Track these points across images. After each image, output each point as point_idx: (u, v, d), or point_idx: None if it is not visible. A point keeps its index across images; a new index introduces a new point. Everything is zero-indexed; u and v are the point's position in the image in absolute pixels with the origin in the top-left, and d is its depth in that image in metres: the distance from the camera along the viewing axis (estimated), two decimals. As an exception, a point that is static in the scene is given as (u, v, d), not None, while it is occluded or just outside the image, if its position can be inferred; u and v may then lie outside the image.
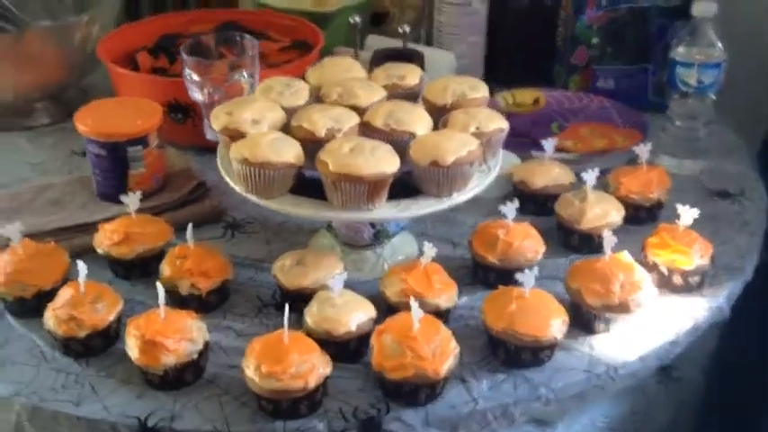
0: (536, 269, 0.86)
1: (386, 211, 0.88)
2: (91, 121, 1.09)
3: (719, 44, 1.17)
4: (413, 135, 0.92)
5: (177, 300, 0.93)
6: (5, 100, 1.35)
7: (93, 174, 1.12)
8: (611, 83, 1.42)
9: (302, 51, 1.33)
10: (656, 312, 0.94)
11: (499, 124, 0.96)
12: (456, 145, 0.89)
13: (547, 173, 1.12)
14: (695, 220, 0.98)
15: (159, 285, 0.85)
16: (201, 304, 0.93)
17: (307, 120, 0.92)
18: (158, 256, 0.99)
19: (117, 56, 1.30)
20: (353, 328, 0.86)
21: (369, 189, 0.86)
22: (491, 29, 1.46)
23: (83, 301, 0.87)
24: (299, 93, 1.00)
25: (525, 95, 1.42)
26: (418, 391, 0.81)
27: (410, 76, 1.05)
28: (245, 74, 1.08)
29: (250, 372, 0.79)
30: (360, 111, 0.96)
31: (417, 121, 0.94)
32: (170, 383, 0.83)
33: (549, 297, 0.88)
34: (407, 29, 1.31)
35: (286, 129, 0.94)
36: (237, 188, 0.92)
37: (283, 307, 0.92)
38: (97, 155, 1.10)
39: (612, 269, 0.90)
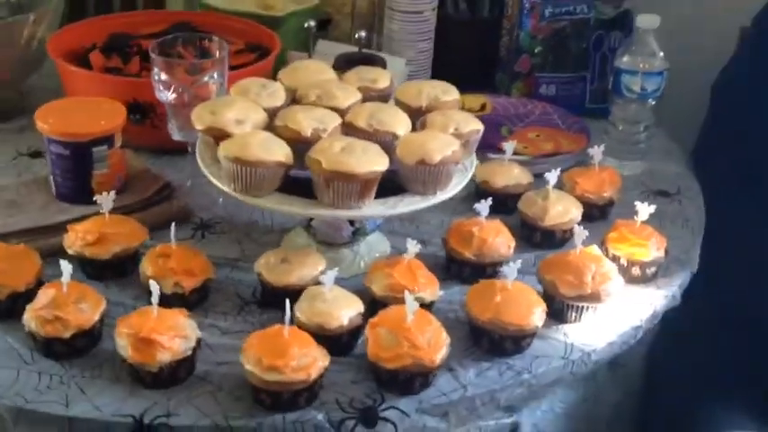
0: (518, 262, 0.91)
1: (375, 208, 0.91)
2: (53, 121, 1.07)
3: (661, 54, 1.25)
4: (395, 135, 0.95)
5: (162, 298, 0.93)
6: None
7: (53, 174, 1.10)
8: (552, 90, 1.49)
9: (258, 54, 1.33)
10: (620, 301, 1.00)
11: (475, 126, 1.00)
12: (441, 145, 0.92)
13: (507, 173, 1.17)
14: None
15: (153, 283, 0.84)
16: (184, 303, 0.93)
17: (292, 120, 0.94)
18: (132, 256, 0.98)
19: (64, 55, 1.27)
20: (345, 322, 0.87)
21: (360, 187, 0.88)
22: (438, 37, 1.50)
23: (66, 302, 0.85)
24: (275, 94, 1.01)
25: (472, 101, 1.46)
26: (413, 380, 0.84)
27: (381, 79, 1.08)
28: (215, 75, 1.09)
29: (250, 365, 0.80)
30: (339, 112, 0.98)
31: (398, 121, 0.97)
32: (163, 381, 0.83)
33: (530, 289, 0.93)
34: (363, 34, 1.34)
35: (268, 129, 0.95)
36: (224, 187, 0.92)
37: (265, 305, 0.95)
38: (59, 155, 1.07)
39: (584, 261, 0.96)
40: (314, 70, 1.08)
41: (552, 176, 1.10)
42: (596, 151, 1.17)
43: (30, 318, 0.86)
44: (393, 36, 1.46)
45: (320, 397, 0.84)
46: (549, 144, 1.35)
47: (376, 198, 0.92)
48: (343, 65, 1.21)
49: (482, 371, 0.89)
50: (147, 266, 0.93)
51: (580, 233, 0.97)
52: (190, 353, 0.83)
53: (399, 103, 1.04)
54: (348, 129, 0.96)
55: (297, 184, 0.92)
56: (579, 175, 1.17)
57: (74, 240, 0.97)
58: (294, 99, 1.02)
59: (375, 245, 1.06)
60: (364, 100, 1.04)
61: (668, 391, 1.24)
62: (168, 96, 1.08)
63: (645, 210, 1.05)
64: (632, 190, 1.25)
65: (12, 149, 1.27)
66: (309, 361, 0.80)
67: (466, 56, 1.54)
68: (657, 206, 1.07)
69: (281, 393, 0.80)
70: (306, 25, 1.37)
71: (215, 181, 0.94)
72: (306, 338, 0.83)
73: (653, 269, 1.05)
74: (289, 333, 0.81)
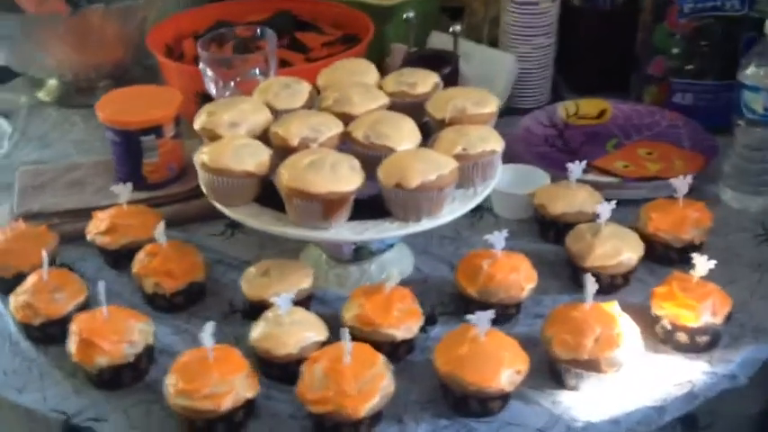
0: (490, 312, 0.78)
1: (341, 231, 0.82)
2: (109, 109, 1.10)
3: (793, 67, 1.01)
4: (392, 150, 0.86)
5: (147, 297, 0.93)
6: (66, 78, 1.40)
7: (113, 159, 1.14)
8: (689, 99, 1.27)
9: (348, 46, 1.28)
10: (647, 372, 0.83)
11: (492, 146, 0.87)
12: (426, 167, 0.81)
13: (570, 198, 1.02)
14: (736, 266, 0.88)
15: (101, 284, 0.83)
16: (170, 304, 0.92)
17: (284, 126, 0.88)
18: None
19: (168, 42, 1.31)
20: (295, 350, 0.81)
21: (323, 207, 0.80)
22: (565, 31, 1.35)
23: (42, 290, 0.88)
24: (296, 95, 0.95)
25: (591, 106, 1.30)
26: (340, 428, 0.76)
27: (422, 83, 0.98)
28: (257, 71, 1.05)
29: (169, 385, 0.77)
30: (350, 119, 0.91)
31: (401, 136, 0.87)
32: (105, 383, 0.83)
33: (510, 342, 0.80)
34: (458, 28, 1.23)
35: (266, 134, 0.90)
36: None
37: (248, 317, 0.91)
38: (112, 141, 1.11)
39: (590, 320, 0.80)
40: (355, 70, 1.01)
41: (604, 209, 0.93)
42: (680, 182, 0.98)
43: (11, 300, 0.89)
44: (507, 29, 1.32)
45: (248, 427, 0.79)
46: (656, 165, 1.15)
47: (357, 218, 0.84)
48: (412, 63, 1.12)
49: (436, 429, 0.78)
50: (135, 263, 0.93)
51: (591, 284, 0.82)
52: (132, 359, 0.82)
53: (428, 114, 0.94)
54: (347, 139, 0.88)
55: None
56: (657, 210, 0.99)
57: (91, 227, 1.00)
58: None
59: (391, 263, 0.97)
60: (395, 106, 0.95)
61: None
62: (213, 90, 1.07)
63: (703, 264, 0.85)
64: (742, 232, 1.03)
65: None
66: (225, 390, 0.75)
67: (598, 54, 1.36)
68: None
69: (196, 418, 0.76)
70: (405, 17, 1.29)
71: (202, 185, 0.90)
72: (235, 364, 0.78)
73: (705, 338, 0.85)
74: (216, 356, 0.77)
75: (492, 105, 0.93)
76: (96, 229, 0.99)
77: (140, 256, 0.93)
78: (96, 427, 0.80)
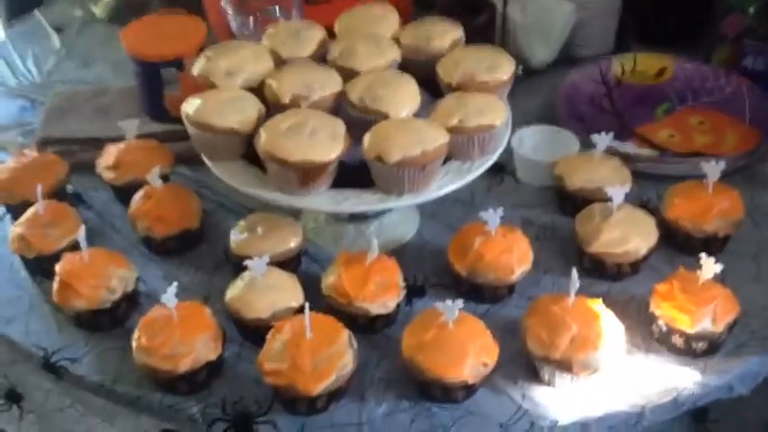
0: (459, 301, 0.74)
1: (318, 200, 0.79)
2: (133, 38, 1.08)
3: None
4: (385, 116, 0.81)
5: (141, 238, 0.93)
6: (117, -7, 1.39)
7: (138, 88, 1.13)
8: (760, 63, 1.15)
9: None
10: (631, 373, 0.78)
11: (492, 119, 0.81)
12: (410, 141, 0.76)
13: (590, 172, 0.94)
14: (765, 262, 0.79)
15: (82, 230, 0.83)
16: (162, 248, 0.92)
17: (278, 80, 0.84)
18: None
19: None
20: (266, 315, 0.80)
21: (298, 175, 0.77)
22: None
23: (36, 224, 0.89)
24: (304, 43, 0.91)
25: (651, 63, 1.19)
26: (295, 402, 0.75)
27: (440, 38, 0.91)
28: (277, 9, 1.01)
29: (135, 339, 0.77)
30: (354, 75, 0.86)
31: (398, 100, 0.82)
32: (84, 325, 0.84)
33: (480, 330, 0.76)
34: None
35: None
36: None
37: (235, 271, 0.89)
38: (136, 72, 1.10)
39: (568, 317, 0.75)
40: (375, 17, 0.95)
41: (617, 192, 0.86)
42: (711, 167, 0.89)
43: (10, 231, 0.91)
44: (567, -29, 1.22)
45: (211, 388, 0.79)
46: (705, 138, 1.06)
47: (340, 185, 0.80)
48: (446, 9, 1.05)
49: (395, 411, 0.76)
50: (132, 204, 0.93)
51: (575, 280, 0.76)
52: (108, 305, 0.83)
53: (438, 75, 0.88)
54: (343, 99, 0.84)
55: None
56: (682, 194, 0.91)
57: (101, 161, 1.00)
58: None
59: (391, 226, 0.93)
60: (408, 63, 0.90)
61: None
62: (234, 28, 1.04)
63: (710, 266, 0.78)
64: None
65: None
66: (184, 351, 0.75)
67: (668, 6, 1.24)
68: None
69: (157, 374, 0.77)
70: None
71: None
72: (202, 324, 0.77)
73: (702, 344, 0.79)
74: (182, 315, 0.77)
75: (506, 71, 0.86)
76: (104, 163, 0.99)
77: (136, 197, 0.93)
78: (70, 368, 0.82)
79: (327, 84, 0.84)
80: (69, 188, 1.01)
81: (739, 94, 1.12)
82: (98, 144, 1.06)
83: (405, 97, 0.82)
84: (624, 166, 0.96)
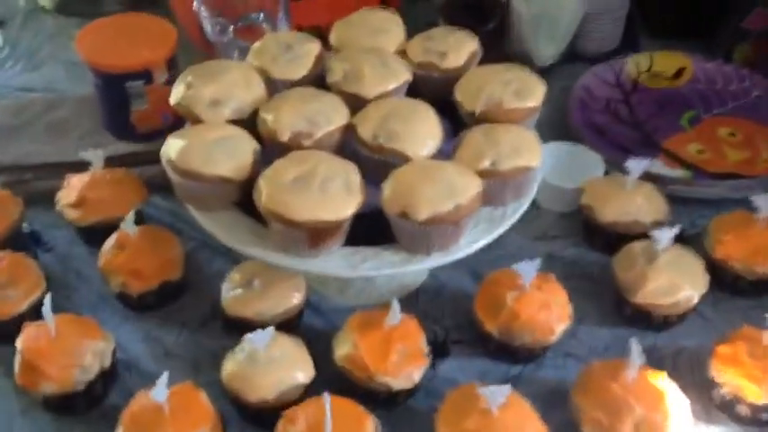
0: (506, 387, 0.63)
1: (331, 264, 0.67)
2: (89, 44, 0.93)
3: None
4: (404, 158, 0.69)
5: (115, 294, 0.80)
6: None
7: (97, 103, 0.98)
8: (789, 63, 1.05)
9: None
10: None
11: (528, 160, 0.69)
12: (439, 193, 0.64)
13: (624, 203, 0.84)
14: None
15: (47, 300, 0.70)
16: (139, 304, 0.79)
17: (273, 113, 0.71)
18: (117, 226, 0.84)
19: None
20: (272, 396, 0.68)
21: (308, 235, 0.65)
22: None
23: (-11, 284, 0.76)
24: (298, 61, 0.78)
25: (668, 62, 1.09)
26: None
27: (454, 53, 0.79)
28: (261, 15, 0.87)
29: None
30: (361, 102, 0.74)
31: (418, 137, 0.69)
32: (54, 409, 0.71)
33: (528, 414, 0.65)
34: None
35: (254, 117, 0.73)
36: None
37: (228, 328, 0.77)
38: (95, 84, 0.95)
39: (631, 398, 0.65)
40: (376, 27, 0.82)
41: (664, 235, 0.76)
42: (763, 199, 0.79)
43: (-43, 293, 0.77)
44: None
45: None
46: (738, 154, 0.96)
47: (354, 241, 0.68)
48: (452, 12, 0.92)
49: None
50: (102, 255, 0.80)
51: (636, 350, 0.66)
52: (82, 387, 0.70)
53: (456, 101, 0.76)
54: (352, 135, 0.71)
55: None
56: (729, 229, 0.81)
57: (61, 196, 0.86)
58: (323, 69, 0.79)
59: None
60: (420, 81, 0.77)
61: None
62: (210, 34, 0.90)
63: (779, 325, 0.68)
64: None
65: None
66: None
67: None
68: None
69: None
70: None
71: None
72: (198, 416, 0.65)
73: (772, 415, 0.70)
74: (172, 404, 0.64)
75: (537, 96, 0.74)
76: (66, 199, 0.85)
77: (107, 247, 0.80)
78: (37, 464, 0.69)
79: (332, 116, 0.71)
80: (25, 226, 0.87)
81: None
82: (56, 170, 0.92)
83: (425, 133, 0.70)
84: (658, 192, 0.86)
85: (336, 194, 0.64)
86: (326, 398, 0.62)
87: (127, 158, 0.93)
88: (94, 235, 0.85)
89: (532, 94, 0.74)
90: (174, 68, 0.95)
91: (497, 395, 0.63)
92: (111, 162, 0.87)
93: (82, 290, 0.83)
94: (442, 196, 0.64)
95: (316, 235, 0.65)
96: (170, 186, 0.86)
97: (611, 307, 0.80)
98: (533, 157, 0.69)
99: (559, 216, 0.91)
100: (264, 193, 0.64)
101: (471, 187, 0.66)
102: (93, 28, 0.96)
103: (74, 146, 0.96)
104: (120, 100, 0.94)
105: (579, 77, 1.06)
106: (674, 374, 0.70)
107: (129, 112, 0.95)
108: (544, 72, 1.08)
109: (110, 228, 0.83)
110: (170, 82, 0.95)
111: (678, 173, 0.92)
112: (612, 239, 0.83)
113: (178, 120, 0.95)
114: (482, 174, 0.68)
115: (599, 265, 0.84)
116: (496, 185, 0.69)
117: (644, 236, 0.82)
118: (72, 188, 0.85)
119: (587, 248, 0.87)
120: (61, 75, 1.13)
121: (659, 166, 0.93)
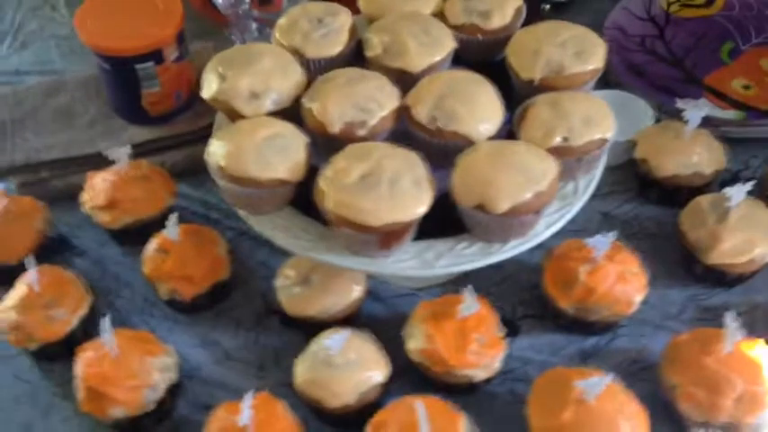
0: (608, 377, 0.60)
1: (403, 264, 0.62)
2: (91, 25, 0.86)
3: None
4: (467, 141, 0.64)
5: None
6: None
7: (105, 88, 0.91)
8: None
9: None
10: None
11: (603, 131, 0.65)
12: (517, 181, 0.60)
13: (683, 153, 0.80)
14: None
15: (105, 321, 0.66)
16: (191, 306, 0.75)
17: (319, 102, 0.65)
18: (160, 220, 0.78)
19: None
20: (353, 399, 0.65)
21: (380, 238, 0.60)
22: None
23: (34, 304, 0.71)
24: (333, 35, 0.72)
25: (697, -18, 1.03)
26: None
27: (498, 12, 0.73)
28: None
29: None
30: (407, 78, 0.68)
31: (479, 117, 0.64)
32: (123, 429, 0.68)
33: (626, 400, 0.62)
34: None
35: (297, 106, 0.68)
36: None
37: (286, 324, 0.74)
38: (102, 68, 0.88)
39: (730, 371, 0.62)
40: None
41: (737, 191, 0.72)
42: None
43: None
44: None
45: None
46: (787, 84, 0.91)
47: (424, 237, 0.64)
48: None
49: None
50: (146, 261, 0.75)
51: (733, 328, 0.63)
52: (153, 407, 0.67)
53: (509, 65, 0.71)
54: (405, 117, 0.66)
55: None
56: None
57: (87, 198, 0.81)
58: (360, 42, 0.73)
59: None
60: (464, 45, 0.72)
61: None
62: (222, 3, 0.83)
63: None
64: None
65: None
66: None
67: None
68: None
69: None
70: None
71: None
72: (281, 429, 0.62)
73: None
74: (255, 420, 0.61)
75: (599, 57, 0.69)
76: (92, 201, 0.79)
77: (150, 253, 0.75)
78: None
79: (383, 100, 0.66)
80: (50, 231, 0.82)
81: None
82: (73, 165, 0.87)
83: (487, 112, 0.65)
84: (715, 139, 0.82)
85: (407, 192, 0.59)
86: (420, 408, 0.59)
87: (147, 146, 0.87)
88: (128, 235, 0.80)
89: (593, 54, 0.69)
90: (182, 43, 0.88)
91: (597, 385, 0.60)
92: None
93: (124, 294, 0.79)
94: (520, 184, 0.60)
95: (388, 236, 0.60)
96: (195, 171, 0.81)
97: (679, 266, 0.78)
98: (607, 127, 0.65)
99: (608, 170, 0.86)
100: (331, 198, 0.60)
101: (550, 171, 0.61)
102: (90, 6, 0.88)
103: (85, 134, 0.90)
104: (130, 83, 0.87)
105: (607, 14, 1.00)
106: (750, 331, 0.68)
107: (140, 95, 0.89)
108: (567, 7, 1.03)
109: (143, 227, 0.79)
110: (180, 57, 0.89)
111: (730, 114, 0.88)
112: (671, 192, 0.80)
113: (192, 96, 0.91)
114: (554, 151, 0.63)
115: (657, 220, 0.81)
116: (570, 163, 0.64)
117: (704, 186, 0.79)
118: (97, 189, 0.80)
119: (643, 203, 0.84)
120: (53, 53, 1.05)
121: (708, 107, 0.88)
